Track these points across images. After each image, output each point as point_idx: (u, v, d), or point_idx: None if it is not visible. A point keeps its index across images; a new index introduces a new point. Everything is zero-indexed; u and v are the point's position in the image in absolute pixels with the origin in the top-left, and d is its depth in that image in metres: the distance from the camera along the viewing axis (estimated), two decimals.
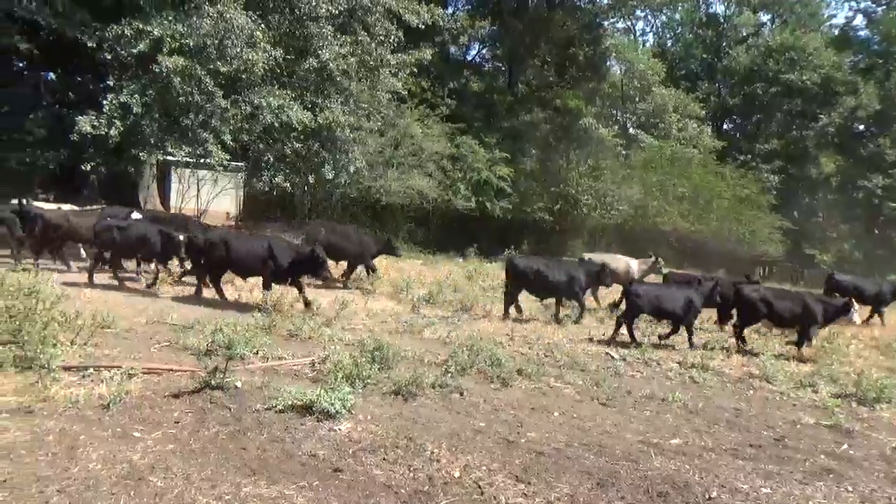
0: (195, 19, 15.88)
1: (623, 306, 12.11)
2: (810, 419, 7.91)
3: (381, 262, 16.96)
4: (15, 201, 13.88)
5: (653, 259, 16.92)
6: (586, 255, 17.07)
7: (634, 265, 16.36)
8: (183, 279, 13.41)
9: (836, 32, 48.64)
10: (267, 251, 11.69)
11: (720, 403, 8.31)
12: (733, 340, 12.09)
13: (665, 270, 16.66)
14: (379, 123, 23.49)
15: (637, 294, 11.76)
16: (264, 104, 17.38)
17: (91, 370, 6.88)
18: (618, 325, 11.84)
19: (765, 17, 51.60)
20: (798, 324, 11.88)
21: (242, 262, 11.88)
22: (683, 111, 42.39)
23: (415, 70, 24.07)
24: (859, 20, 47.63)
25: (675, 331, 11.99)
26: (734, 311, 12.59)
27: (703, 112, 44.65)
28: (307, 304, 11.62)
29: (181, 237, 12.01)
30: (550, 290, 13.53)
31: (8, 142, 17.87)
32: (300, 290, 11.86)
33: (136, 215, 14.25)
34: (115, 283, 12.45)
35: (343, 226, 18.02)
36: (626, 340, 11.83)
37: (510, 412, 7.10)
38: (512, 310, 13.35)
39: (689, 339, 11.76)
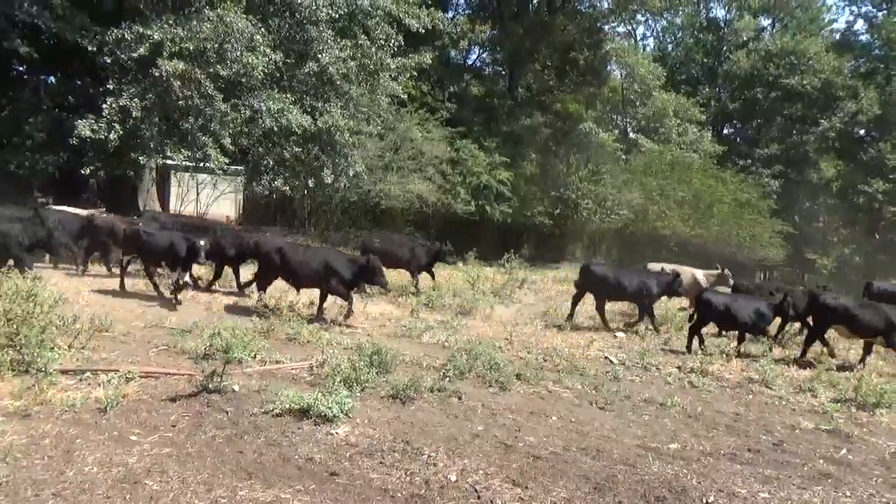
0: (195, 23, 15.89)
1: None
2: (809, 424, 7.90)
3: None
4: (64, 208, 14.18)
5: (719, 270, 16.73)
6: (651, 265, 16.96)
7: (700, 275, 16.21)
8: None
9: (837, 37, 48.50)
10: (325, 262, 11.58)
11: (719, 408, 8.31)
12: (734, 345, 12.04)
13: (732, 281, 16.37)
14: (379, 127, 23.49)
15: (708, 303, 11.75)
16: (264, 108, 17.38)
17: (88, 374, 6.89)
18: (691, 335, 11.85)
19: (765, 22, 51.60)
20: (879, 335, 11.60)
21: (299, 272, 11.72)
22: (684, 116, 42.37)
23: (415, 74, 24.08)
24: (860, 25, 47.45)
25: (741, 340, 11.97)
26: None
27: (704, 116, 44.63)
28: (348, 315, 11.52)
29: (202, 243, 11.67)
30: (625, 298, 13.61)
31: (7, 145, 17.88)
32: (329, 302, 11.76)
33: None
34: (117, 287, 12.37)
35: (396, 235, 18.19)
36: (628, 346, 11.83)
37: (508, 416, 7.09)
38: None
39: (772, 347, 11.79)
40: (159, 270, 12.41)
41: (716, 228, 35.58)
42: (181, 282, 11.79)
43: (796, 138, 45.14)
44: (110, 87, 16.00)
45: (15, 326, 6.94)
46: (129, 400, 6.34)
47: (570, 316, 13.69)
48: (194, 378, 7.02)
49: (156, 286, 12.10)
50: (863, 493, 5.77)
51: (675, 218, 34.50)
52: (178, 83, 15.71)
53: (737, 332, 12.06)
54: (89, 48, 16.10)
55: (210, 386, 6.70)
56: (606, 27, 36.70)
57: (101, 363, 7.37)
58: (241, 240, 13.48)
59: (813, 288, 14.34)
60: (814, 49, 43.68)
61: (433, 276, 16.54)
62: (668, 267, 15.70)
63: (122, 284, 12.23)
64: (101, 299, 11.18)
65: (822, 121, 43.31)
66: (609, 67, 38.82)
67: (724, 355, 11.36)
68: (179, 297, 11.67)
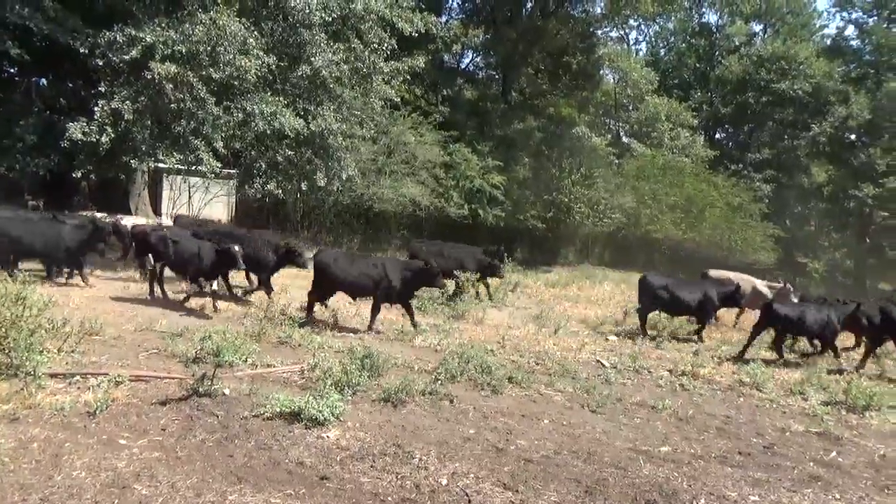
0: (188, 26, 15.83)
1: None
2: (800, 426, 7.93)
3: None
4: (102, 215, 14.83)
5: (781, 284, 16.30)
6: (712, 272, 16.78)
7: (761, 286, 16.03)
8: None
9: (828, 42, 48.89)
10: (382, 271, 11.44)
11: (710, 411, 8.33)
12: (728, 350, 12.07)
13: (794, 297, 15.79)
14: (372, 131, 23.44)
15: (777, 313, 11.87)
16: (256, 111, 17.31)
17: (77, 377, 6.85)
18: (748, 343, 11.96)
19: (757, 27, 51.93)
20: None
21: (356, 283, 11.56)
22: (676, 120, 42.55)
23: (408, 78, 24.05)
24: (850, 30, 47.81)
25: (823, 351, 12.12)
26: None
27: (696, 121, 44.81)
28: (415, 326, 11.65)
29: (237, 249, 11.40)
30: (685, 309, 13.62)
31: None
32: (410, 313, 11.82)
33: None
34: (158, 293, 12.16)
35: (444, 244, 18.01)
36: (619, 350, 11.83)
37: (500, 419, 7.09)
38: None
39: (835, 354, 11.97)
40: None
41: (708, 232, 35.78)
42: (210, 290, 11.74)
43: (787, 143, 45.37)
44: (102, 89, 15.92)
45: (3, 330, 6.88)
46: (118, 404, 6.31)
47: (644, 330, 13.42)
48: (185, 382, 6.98)
49: (152, 289, 12.08)
50: (852, 496, 5.79)
51: (667, 222, 34.66)
52: (171, 86, 15.65)
53: (818, 341, 12.21)
54: (81, 50, 16.01)
55: (200, 389, 6.67)
56: (599, 32, 36.88)
57: (90, 367, 7.33)
58: (276, 248, 13.29)
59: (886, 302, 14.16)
60: (805, 54, 43.93)
61: (487, 287, 16.35)
62: (731, 276, 15.69)
63: (163, 292, 12.14)
64: (92, 303, 11.12)
65: (813, 125, 43.59)
66: (602, 72, 39.01)
67: (716, 359, 11.43)
68: (188, 301, 11.65)
